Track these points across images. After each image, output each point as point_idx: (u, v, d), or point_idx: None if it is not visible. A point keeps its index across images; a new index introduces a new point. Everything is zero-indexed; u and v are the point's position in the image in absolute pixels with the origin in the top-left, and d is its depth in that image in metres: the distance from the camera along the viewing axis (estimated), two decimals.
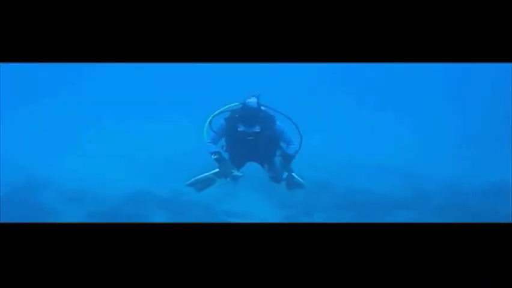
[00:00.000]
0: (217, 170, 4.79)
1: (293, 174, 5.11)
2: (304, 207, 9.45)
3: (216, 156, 4.67)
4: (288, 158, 4.78)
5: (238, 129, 4.55)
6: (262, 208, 9.59)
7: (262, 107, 4.62)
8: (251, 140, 4.56)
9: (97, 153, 13.11)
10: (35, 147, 12.98)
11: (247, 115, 4.51)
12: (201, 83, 18.93)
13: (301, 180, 5.12)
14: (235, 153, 4.79)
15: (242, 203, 9.81)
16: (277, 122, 4.69)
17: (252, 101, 4.55)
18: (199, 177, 5.02)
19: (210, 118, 4.65)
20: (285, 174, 5.06)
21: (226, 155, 4.80)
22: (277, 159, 4.91)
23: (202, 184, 5.03)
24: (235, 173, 4.74)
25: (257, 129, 4.51)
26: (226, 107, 4.68)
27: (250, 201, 9.90)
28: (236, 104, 4.65)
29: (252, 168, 4.97)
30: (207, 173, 4.93)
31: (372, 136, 15.03)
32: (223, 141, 4.80)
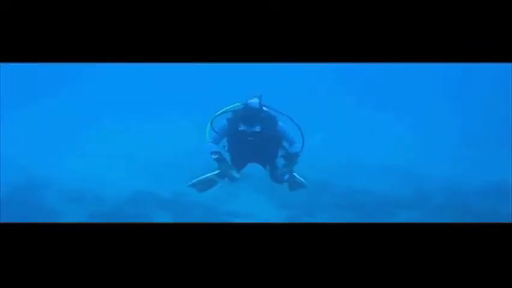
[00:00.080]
0: (219, 171, 4.79)
1: (295, 174, 5.11)
2: (306, 207, 9.45)
3: (216, 156, 4.68)
4: (291, 158, 4.76)
5: (239, 128, 4.55)
6: (264, 208, 9.59)
7: (264, 108, 4.62)
8: (252, 140, 4.56)
9: (97, 153, 13.11)
10: (35, 147, 12.98)
11: (249, 115, 4.51)
12: (201, 83, 18.92)
13: (303, 180, 5.12)
14: (237, 154, 4.78)
15: (244, 203, 9.81)
16: (279, 123, 4.68)
17: (254, 101, 4.55)
18: (201, 178, 5.01)
19: (212, 118, 4.65)
20: (287, 175, 5.05)
21: (227, 156, 4.80)
22: (280, 160, 4.90)
23: (204, 185, 5.02)
24: (234, 174, 4.73)
25: (257, 128, 4.51)
26: (228, 107, 4.67)
27: (252, 201, 9.90)
28: (238, 104, 4.65)
29: (254, 168, 4.96)
30: (209, 174, 4.93)
31: (372, 136, 15.03)
32: (225, 142, 4.79)
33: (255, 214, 9.40)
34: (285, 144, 4.81)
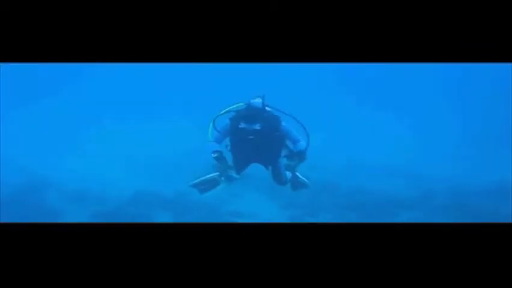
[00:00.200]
0: (218, 170, 4.78)
1: (297, 174, 5.10)
2: (308, 207, 9.45)
3: (215, 155, 4.66)
4: (296, 156, 4.69)
5: (239, 126, 4.53)
6: (266, 209, 9.59)
7: (267, 108, 4.61)
8: (252, 139, 4.53)
9: (97, 153, 13.13)
10: (35, 147, 12.99)
11: (251, 114, 4.50)
12: (201, 83, 18.94)
13: (305, 180, 5.12)
14: (239, 154, 4.77)
15: (246, 204, 9.81)
16: (283, 123, 4.66)
17: (256, 101, 4.54)
18: (202, 178, 5.01)
19: (214, 118, 4.64)
20: (290, 176, 5.05)
21: (229, 155, 4.79)
22: (282, 161, 4.87)
23: (206, 186, 5.02)
24: (232, 174, 4.72)
25: (257, 126, 4.48)
26: (231, 107, 4.67)
27: (254, 201, 9.90)
28: (241, 104, 4.64)
29: (256, 168, 4.95)
30: (211, 174, 4.92)
31: (372, 136, 15.04)
32: (227, 142, 4.78)
33: (257, 214, 9.40)
34: (289, 143, 4.78)
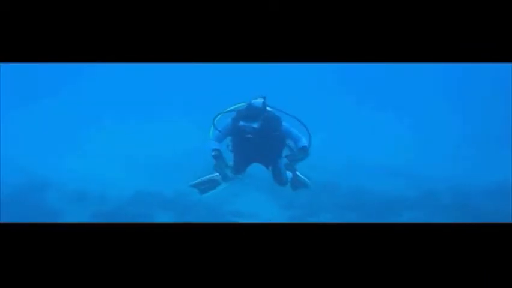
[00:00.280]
0: (214, 168, 4.77)
1: (298, 173, 5.10)
2: (309, 207, 9.45)
3: (214, 153, 4.65)
4: (298, 154, 4.65)
5: (239, 124, 4.53)
6: (267, 208, 9.59)
7: (268, 108, 4.61)
8: (251, 138, 4.53)
9: (98, 153, 13.12)
10: (35, 147, 12.98)
11: (251, 114, 4.50)
12: (201, 83, 18.93)
13: (306, 179, 5.12)
14: (239, 154, 4.78)
15: (247, 203, 9.80)
16: (284, 123, 4.66)
17: (257, 101, 4.54)
18: (203, 178, 5.01)
19: (215, 117, 4.64)
20: (290, 175, 5.05)
21: (230, 155, 4.79)
22: (283, 161, 4.87)
23: (206, 186, 5.02)
24: (228, 172, 4.72)
25: (255, 125, 4.47)
26: (232, 107, 4.67)
27: (255, 201, 9.89)
28: (242, 104, 4.65)
29: (257, 168, 4.94)
30: (211, 175, 4.92)
31: (372, 136, 15.04)
32: (228, 141, 4.78)
33: (257, 214, 9.39)
34: (290, 142, 4.76)
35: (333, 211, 9.42)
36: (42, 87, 18.03)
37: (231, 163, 4.79)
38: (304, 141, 4.61)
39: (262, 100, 4.56)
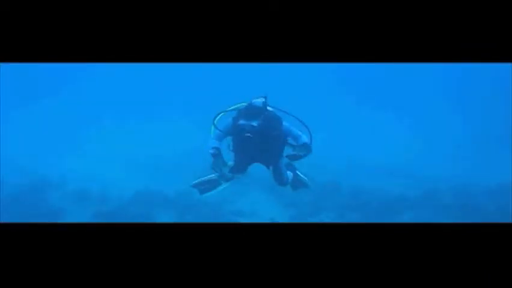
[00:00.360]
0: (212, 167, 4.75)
1: (298, 172, 5.10)
2: (310, 207, 9.46)
3: (212, 151, 4.64)
4: (300, 149, 4.57)
5: (238, 122, 4.52)
6: (269, 208, 9.60)
7: (269, 108, 4.61)
8: (251, 137, 4.52)
9: (98, 153, 13.14)
10: (35, 147, 13.00)
11: (251, 113, 4.50)
12: (201, 83, 18.95)
13: (305, 178, 5.12)
14: (240, 154, 4.78)
15: (249, 203, 9.82)
16: (284, 122, 4.66)
17: (258, 100, 4.54)
18: (203, 178, 5.01)
19: (216, 116, 4.64)
20: (291, 176, 5.05)
21: (231, 155, 4.78)
22: (284, 161, 4.86)
23: (206, 186, 5.02)
24: (225, 171, 4.71)
25: (254, 123, 4.46)
26: (233, 106, 4.67)
27: (257, 200, 9.90)
28: (243, 103, 4.65)
29: (258, 167, 4.94)
30: (211, 175, 4.92)
31: (372, 136, 15.06)
32: (229, 141, 4.78)
33: (259, 213, 9.41)
34: (291, 140, 4.74)
35: (334, 211, 9.43)
36: (42, 87, 18.06)
37: (231, 163, 4.79)
38: (305, 138, 4.60)
39: (263, 100, 4.56)
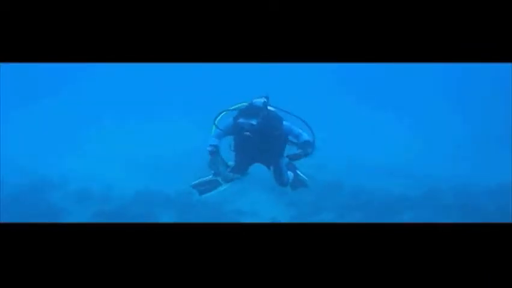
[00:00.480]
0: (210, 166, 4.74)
1: (298, 172, 5.10)
2: (311, 207, 9.46)
3: (210, 149, 4.63)
4: (302, 147, 4.54)
5: (238, 121, 4.51)
6: (270, 207, 9.60)
7: (271, 108, 4.60)
8: (250, 136, 4.51)
9: (98, 153, 13.14)
10: (35, 147, 13.00)
11: (251, 112, 4.49)
12: (201, 83, 18.94)
13: (305, 178, 5.12)
14: (241, 154, 4.77)
15: (249, 202, 9.81)
16: (284, 122, 4.65)
17: (259, 100, 4.54)
18: (202, 179, 5.00)
19: (216, 115, 4.63)
20: (292, 176, 5.04)
21: (232, 155, 4.78)
22: (285, 161, 4.85)
23: (206, 187, 5.01)
24: (221, 168, 4.71)
25: (253, 121, 4.46)
26: (235, 106, 4.67)
27: (258, 200, 9.90)
28: (244, 103, 4.65)
29: (260, 167, 4.94)
30: (211, 176, 4.92)
31: (373, 136, 15.05)
32: (231, 141, 4.77)
33: (260, 213, 9.41)
34: (293, 139, 4.71)
35: (334, 211, 9.43)
36: (42, 87, 18.05)
37: (231, 163, 4.79)
38: (306, 136, 4.58)
39: (264, 99, 4.56)
